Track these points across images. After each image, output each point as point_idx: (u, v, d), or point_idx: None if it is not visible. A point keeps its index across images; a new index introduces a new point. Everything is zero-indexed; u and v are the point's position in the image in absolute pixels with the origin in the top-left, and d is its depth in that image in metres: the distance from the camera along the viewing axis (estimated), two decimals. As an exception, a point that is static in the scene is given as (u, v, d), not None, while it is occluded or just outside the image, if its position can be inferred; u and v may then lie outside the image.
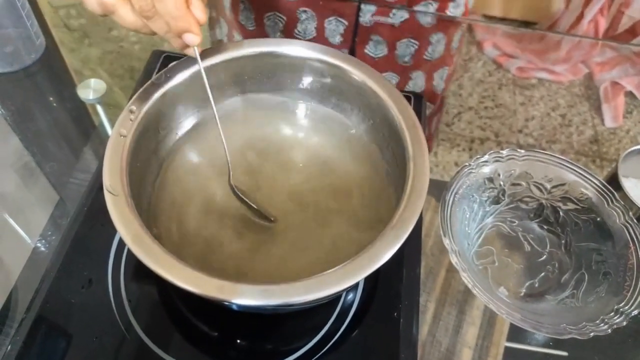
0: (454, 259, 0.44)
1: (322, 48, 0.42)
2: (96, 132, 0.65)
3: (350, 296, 0.43)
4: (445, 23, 0.66)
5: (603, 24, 1.79)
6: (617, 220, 0.48)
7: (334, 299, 0.42)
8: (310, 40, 0.66)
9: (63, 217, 0.52)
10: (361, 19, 0.63)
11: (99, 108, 0.64)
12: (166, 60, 0.55)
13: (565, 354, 0.51)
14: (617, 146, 1.79)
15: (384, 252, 0.33)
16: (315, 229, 0.41)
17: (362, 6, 0.61)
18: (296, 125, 0.47)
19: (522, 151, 0.51)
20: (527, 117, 1.72)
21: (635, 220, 0.48)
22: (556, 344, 0.51)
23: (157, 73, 0.52)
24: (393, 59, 0.68)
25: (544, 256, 0.52)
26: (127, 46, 0.73)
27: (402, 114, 0.40)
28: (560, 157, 0.51)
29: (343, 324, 0.41)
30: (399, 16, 0.63)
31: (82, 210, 0.44)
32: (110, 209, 0.33)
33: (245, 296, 0.31)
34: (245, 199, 0.40)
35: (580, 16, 1.76)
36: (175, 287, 0.31)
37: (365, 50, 0.67)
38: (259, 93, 0.45)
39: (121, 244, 0.42)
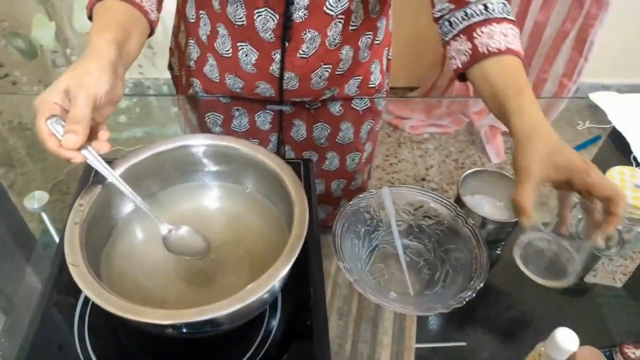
0: (346, 275, 0.58)
1: (219, 137, 0.57)
2: (42, 236, 0.74)
3: (273, 321, 0.55)
4: (351, 115, 0.84)
5: (470, 81, 2.14)
6: (462, 226, 0.65)
7: (260, 318, 0.54)
8: (244, 130, 0.82)
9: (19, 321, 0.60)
10: (284, 109, 0.80)
11: (43, 215, 0.74)
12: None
13: (464, 344, 0.65)
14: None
15: (282, 269, 0.46)
16: (238, 265, 0.54)
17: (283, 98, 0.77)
18: (210, 198, 0.61)
19: (387, 188, 0.68)
20: (426, 166, 1.97)
21: (473, 223, 0.65)
22: (456, 337, 0.65)
23: (92, 178, 0.64)
24: (312, 139, 0.85)
25: (420, 263, 0.68)
26: (57, 161, 0.85)
27: (284, 174, 0.55)
28: (415, 187, 0.69)
29: (268, 339, 0.53)
30: (313, 104, 0.80)
31: (45, 292, 0.54)
32: (75, 276, 0.45)
33: (186, 317, 0.43)
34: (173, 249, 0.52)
35: (453, 77, 2.09)
36: (132, 331, 0.42)
37: (291, 133, 0.84)
38: (178, 175, 0.59)
39: (82, 311, 0.52)
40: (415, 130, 2.13)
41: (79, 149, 0.47)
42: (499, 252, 0.73)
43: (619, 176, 0.66)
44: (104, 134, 0.50)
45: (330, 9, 0.66)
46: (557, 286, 0.59)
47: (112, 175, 0.50)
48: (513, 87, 0.55)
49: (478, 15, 0.57)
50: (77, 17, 1.54)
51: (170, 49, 0.86)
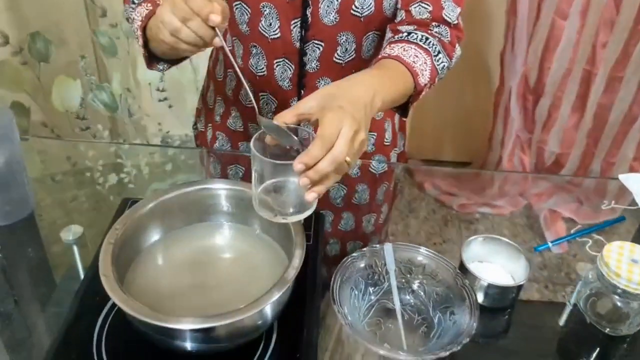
0: (339, 316, 0.74)
1: (233, 182, 0.78)
2: (71, 267, 0.95)
3: (267, 351, 0.72)
4: (368, 177, 1.03)
5: (527, 161, 2.29)
6: (460, 286, 0.81)
7: (256, 343, 0.70)
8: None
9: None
10: None
11: (75, 248, 0.96)
12: (133, 204, 0.89)
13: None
14: (567, 270, 2.16)
15: (279, 291, 0.64)
16: (240, 295, 0.72)
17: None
18: (223, 236, 0.82)
19: (389, 244, 0.85)
20: (474, 249, 2.09)
21: (468, 283, 0.80)
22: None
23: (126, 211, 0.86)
24: (328, 199, 1.04)
25: (418, 321, 0.82)
26: (98, 196, 1.10)
27: (290, 218, 0.74)
28: (416, 246, 0.85)
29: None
30: None
31: (73, 309, 0.74)
32: (104, 284, 0.64)
33: (196, 322, 0.61)
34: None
35: (501, 156, 2.26)
36: (142, 349, 0.61)
37: None
38: (197, 215, 0.80)
39: (102, 324, 0.72)
40: (465, 209, 2.27)
41: None
42: (505, 317, 0.87)
43: (617, 250, 0.80)
44: None
45: (339, 59, 0.89)
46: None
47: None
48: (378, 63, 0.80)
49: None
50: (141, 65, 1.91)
51: (197, 109, 1.11)
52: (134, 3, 0.85)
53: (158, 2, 0.81)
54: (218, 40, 0.68)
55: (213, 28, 0.67)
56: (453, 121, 2.36)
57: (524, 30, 1.95)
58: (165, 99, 1.99)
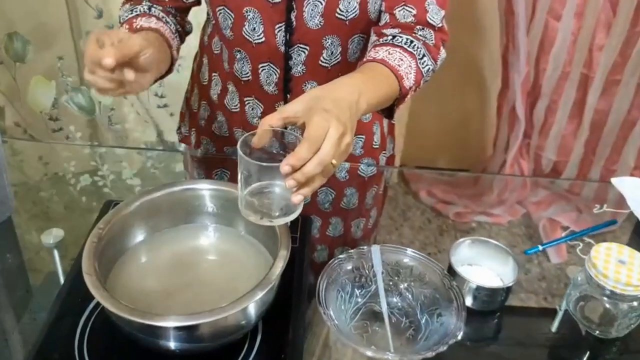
0: (325, 317, 0.77)
1: (218, 182, 0.82)
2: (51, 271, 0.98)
3: (253, 350, 0.74)
4: (357, 181, 1.07)
5: (526, 166, 2.33)
6: (448, 288, 0.84)
7: (241, 344, 0.73)
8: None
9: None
10: None
11: (55, 252, 0.98)
12: (115, 206, 0.92)
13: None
14: (566, 281, 2.19)
15: (262, 289, 0.67)
16: (224, 296, 0.75)
17: None
18: (208, 237, 0.85)
19: (377, 246, 0.88)
20: (470, 259, 2.13)
21: (456, 284, 0.83)
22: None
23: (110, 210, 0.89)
24: (316, 204, 1.07)
25: (406, 324, 0.86)
26: (79, 200, 1.13)
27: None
28: (404, 248, 0.88)
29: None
30: None
31: (53, 312, 0.77)
32: (87, 282, 0.67)
33: (179, 320, 0.64)
34: None
35: (504, 161, 2.30)
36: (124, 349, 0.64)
37: None
38: (183, 216, 0.83)
39: (84, 326, 0.74)
40: (461, 218, 2.31)
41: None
42: (495, 321, 0.90)
43: (605, 251, 0.83)
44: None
45: (325, 63, 0.92)
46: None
47: None
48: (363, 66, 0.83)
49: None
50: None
51: (181, 113, 1.14)
52: (120, 24, 0.91)
53: (135, 24, 0.87)
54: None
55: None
56: (449, 128, 2.40)
57: (524, 29, 1.98)
58: (165, 105, 2.02)
